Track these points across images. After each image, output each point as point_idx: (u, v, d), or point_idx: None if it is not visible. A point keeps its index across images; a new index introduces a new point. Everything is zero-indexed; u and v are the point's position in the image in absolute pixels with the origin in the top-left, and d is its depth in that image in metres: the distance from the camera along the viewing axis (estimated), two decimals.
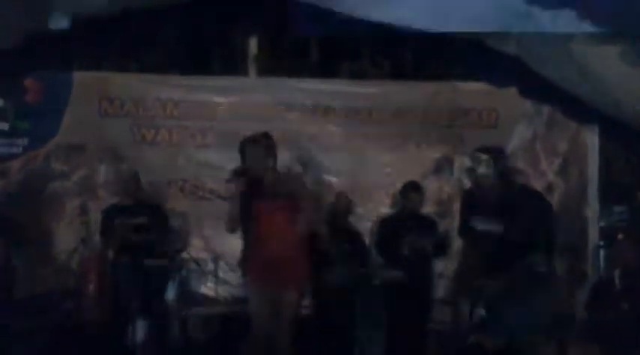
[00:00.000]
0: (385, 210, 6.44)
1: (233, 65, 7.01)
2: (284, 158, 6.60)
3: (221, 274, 6.62)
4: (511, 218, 4.03)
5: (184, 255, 6.35)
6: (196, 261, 6.02)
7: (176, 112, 6.84)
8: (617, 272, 5.54)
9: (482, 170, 4.02)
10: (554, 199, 6.21)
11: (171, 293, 5.90)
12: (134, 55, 6.82)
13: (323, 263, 5.85)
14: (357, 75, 7.02)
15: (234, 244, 5.24)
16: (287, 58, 6.93)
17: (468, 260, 4.29)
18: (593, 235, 6.69)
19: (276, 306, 4.59)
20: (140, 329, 5.84)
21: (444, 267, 6.12)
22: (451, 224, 5.37)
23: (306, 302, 5.95)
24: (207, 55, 6.91)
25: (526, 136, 6.70)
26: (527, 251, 4.05)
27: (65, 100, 6.70)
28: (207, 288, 6.69)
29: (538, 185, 6.38)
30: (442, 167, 6.87)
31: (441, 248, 5.90)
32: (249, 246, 4.70)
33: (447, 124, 6.89)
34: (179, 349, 5.94)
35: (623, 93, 5.81)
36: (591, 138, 6.74)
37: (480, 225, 4.15)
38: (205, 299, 6.64)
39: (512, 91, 6.45)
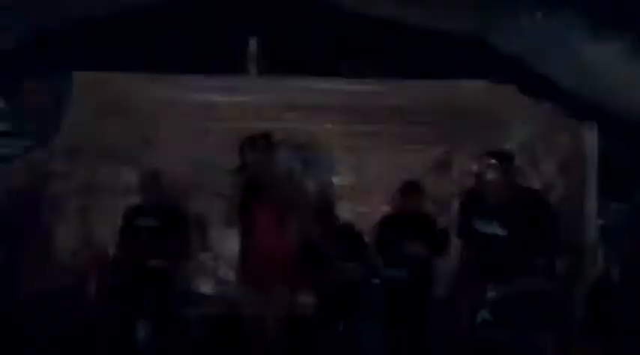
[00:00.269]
0: (385, 209, 6.44)
1: (233, 64, 6.99)
2: (285, 157, 6.68)
3: (221, 274, 6.63)
4: (515, 221, 4.04)
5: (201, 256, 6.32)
6: (196, 258, 6.03)
7: (176, 112, 6.84)
8: (616, 270, 5.55)
9: (490, 175, 4.02)
10: (554, 197, 6.21)
11: (171, 293, 5.90)
12: (134, 55, 6.80)
13: (323, 262, 5.88)
14: (357, 74, 7.01)
15: (233, 244, 5.26)
16: (287, 57, 6.92)
17: (467, 260, 4.29)
18: (593, 233, 6.69)
19: (269, 306, 4.63)
20: (141, 330, 5.86)
21: (444, 266, 6.13)
22: (450, 223, 5.36)
23: (307, 301, 6.01)
24: (207, 54, 6.90)
25: (525, 135, 6.70)
26: (529, 254, 4.05)
27: (65, 101, 6.70)
28: (207, 288, 6.70)
29: (537, 183, 6.39)
30: (441, 166, 6.88)
31: (441, 247, 5.91)
32: (244, 245, 4.73)
33: (446, 123, 6.89)
34: (179, 349, 5.94)
35: (623, 91, 5.84)
36: (591, 136, 6.74)
37: (483, 227, 4.15)
38: (205, 299, 6.64)
39: (512, 89, 6.49)
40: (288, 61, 6.96)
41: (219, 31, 6.74)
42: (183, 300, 6.08)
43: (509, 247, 4.04)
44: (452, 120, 6.88)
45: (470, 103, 6.87)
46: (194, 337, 6.44)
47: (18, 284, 6.33)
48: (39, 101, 6.72)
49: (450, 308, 5.90)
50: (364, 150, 6.88)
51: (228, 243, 5.81)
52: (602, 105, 6.16)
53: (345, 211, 6.46)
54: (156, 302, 5.88)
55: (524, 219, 4.02)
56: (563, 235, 4.21)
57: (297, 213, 4.70)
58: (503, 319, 4.05)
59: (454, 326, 5.46)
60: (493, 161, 4.04)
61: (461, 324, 4.49)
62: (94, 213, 6.69)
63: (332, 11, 5.81)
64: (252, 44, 6.98)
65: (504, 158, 4.07)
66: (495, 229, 4.07)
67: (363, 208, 6.65)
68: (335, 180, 6.82)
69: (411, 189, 6.19)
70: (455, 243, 4.98)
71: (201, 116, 6.85)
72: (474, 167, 4.10)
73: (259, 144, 4.74)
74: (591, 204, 6.71)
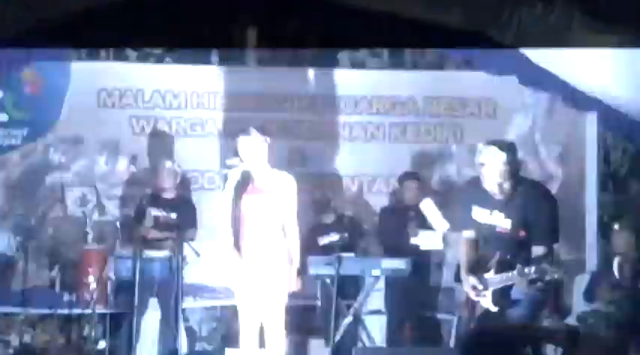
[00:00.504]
0: (385, 199, 6.44)
1: (232, 55, 6.98)
2: (284, 147, 6.68)
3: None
4: (517, 212, 4.03)
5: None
6: (196, 252, 6.01)
7: (175, 103, 6.84)
8: (615, 262, 5.56)
9: (493, 165, 4.01)
10: (553, 189, 6.22)
11: (170, 284, 5.89)
12: (132, 44, 6.78)
13: (322, 254, 5.88)
14: (357, 65, 7.00)
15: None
16: (286, 48, 6.90)
17: (468, 250, 4.28)
18: (592, 224, 6.70)
19: (265, 296, 4.66)
20: (142, 321, 5.86)
21: (445, 256, 6.14)
22: (450, 214, 5.36)
23: (308, 292, 6.02)
24: (206, 45, 6.87)
25: (525, 126, 6.70)
26: (531, 244, 4.05)
27: (64, 91, 6.68)
28: (206, 279, 6.69)
29: (537, 175, 6.40)
30: (441, 156, 6.88)
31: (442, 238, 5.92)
32: (238, 238, 4.76)
33: (446, 114, 6.89)
34: (179, 340, 5.94)
35: (622, 83, 5.83)
36: (590, 128, 6.74)
37: (483, 217, 4.15)
38: (204, 290, 6.64)
39: (512, 81, 6.49)
40: (287, 52, 6.94)
41: (218, 21, 6.70)
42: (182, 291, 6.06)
43: (511, 238, 4.04)
44: (451, 112, 6.89)
45: (469, 95, 6.88)
46: (193, 328, 6.46)
47: (17, 276, 6.33)
48: (37, 91, 6.70)
49: (451, 299, 5.92)
50: (364, 140, 6.88)
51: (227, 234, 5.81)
52: (601, 96, 6.15)
53: (345, 202, 6.46)
54: (159, 292, 5.89)
55: (527, 211, 4.02)
56: (562, 226, 4.20)
57: (294, 204, 4.74)
58: (504, 307, 4.05)
59: (455, 316, 5.50)
60: (497, 150, 4.03)
61: (462, 314, 4.49)
62: (93, 203, 6.67)
63: (331, 2, 5.80)
64: (251, 34, 6.97)
65: (508, 148, 4.07)
66: (497, 220, 4.07)
67: (363, 199, 6.66)
68: (335, 170, 6.81)
69: (409, 178, 6.19)
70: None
71: (201, 107, 6.83)
72: (478, 157, 4.08)
73: (254, 139, 4.77)
74: (591, 195, 6.73)
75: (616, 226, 5.81)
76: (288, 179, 4.79)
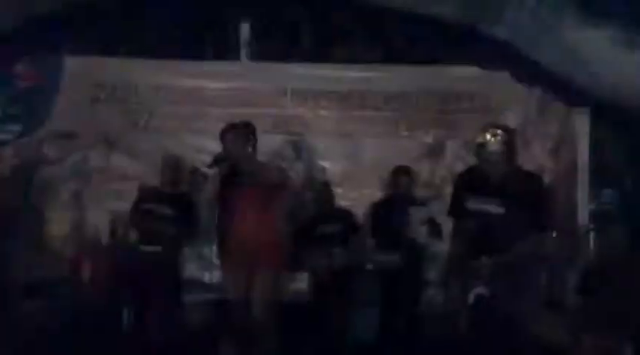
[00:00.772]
0: (378, 194, 6.47)
1: (226, 50, 6.98)
2: (277, 142, 6.70)
3: (215, 260, 6.63)
4: (511, 198, 4.06)
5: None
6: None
7: (169, 98, 6.84)
8: (606, 256, 5.59)
9: (493, 146, 4.04)
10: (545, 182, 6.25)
11: (167, 279, 5.90)
12: (126, 40, 6.78)
13: (316, 248, 5.90)
14: (350, 59, 7.02)
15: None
16: (279, 43, 6.91)
17: (459, 240, 4.30)
18: (583, 218, 6.74)
19: (252, 291, 4.66)
20: (135, 316, 5.87)
21: (437, 250, 6.16)
22: (442, 208, 5.39)
23: (302, 286, 6.04)
24: (199, 39, 6.88)
25: (517, 120, 6.73)
26: (523, 231, 4.08)
27: (57, 86, 6.68)
28: (201, 274, 6.71)
29: (529, 168, 6.41)
30: (434, 151, 6.91)
31: (433, 232, 5.95)
32: (225, 231, 4.76)
33: (439, 109, 6.92)
34: (175, 335, 5.96)
35: (614, 78, 5.86)
36: (582, 122, 6.78)
37: (478, 204, 4.16)
38: (200, 285, 6.66)
39: (504, 75, 6.51)
40: (280, 47, 6.95)
41: (212, 16, 6.71)
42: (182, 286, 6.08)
43: (504, 224, 4.05)
44: (444, 106, 6.92)
45: (462, 89, 6.90)
46: (190, 323, 6.47)
47: (10, 270, 6.33)
48: (31, 86, 6.69)
49: (444, 291, 5.95)
50: (358, 135, 6.90)
51: None
52: (593, 91, 6.19)
53: (338, 196, 6.48)
54: (154, 288, 5.89)
55: (521, 197, 4.04)
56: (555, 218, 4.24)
57: (283, 198, 4.73)
58: (497, 291, 4.06)
59: (448, 307, 5.51)
60: (498, 131, 4.07)
61: (454, 303, 4.50)
62: (87, 199, 6.68)
63: None
64: (245, 29, 6.97)
65: (507, 131, 4.11)
66: (491, 206, 4.08)
67: (356, 193, 6.68)
68: (328, 165, 6.83)
69: (401, 173, 6.22)
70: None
71: (194, 102, 6.84)
72: (478, 137, 4.10)
73: (239, 132, 4.77)
74: (583, 189, 6.76)
75: (607, 220, 5.85)
76: (278, 171, 4.79)
